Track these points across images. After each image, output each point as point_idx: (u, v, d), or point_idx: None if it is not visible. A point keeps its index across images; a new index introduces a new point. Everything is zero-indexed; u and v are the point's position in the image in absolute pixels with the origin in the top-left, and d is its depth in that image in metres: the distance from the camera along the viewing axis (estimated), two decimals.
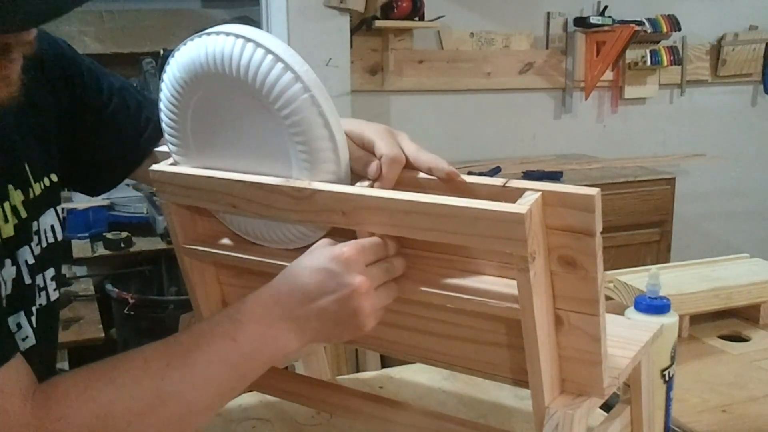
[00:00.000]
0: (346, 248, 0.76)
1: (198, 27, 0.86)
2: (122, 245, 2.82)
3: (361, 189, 0.77)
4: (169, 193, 0.91)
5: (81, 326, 2.27)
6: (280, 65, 0.77)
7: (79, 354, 2.31)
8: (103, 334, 2.26)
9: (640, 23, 3.60)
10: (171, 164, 0.91)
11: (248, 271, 0.95)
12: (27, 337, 0.87)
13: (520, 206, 0.67)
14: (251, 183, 0.83)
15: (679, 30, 3.78)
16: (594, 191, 0.67)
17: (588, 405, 0.76)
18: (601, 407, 0.91)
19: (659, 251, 3.28)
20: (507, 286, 0.74)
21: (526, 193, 0.69)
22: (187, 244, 0.95)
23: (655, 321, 1.02)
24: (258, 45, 0.78)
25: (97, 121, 0.99)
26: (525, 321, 0.72)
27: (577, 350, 0.75)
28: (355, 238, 0.80)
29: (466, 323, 0.80)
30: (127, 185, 1.65)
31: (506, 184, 0.71)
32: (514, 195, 0.70)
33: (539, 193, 0.68)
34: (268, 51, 0.77)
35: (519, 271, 0.69)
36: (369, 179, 0.79)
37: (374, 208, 0.75)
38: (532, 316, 0.71)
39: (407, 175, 0.80)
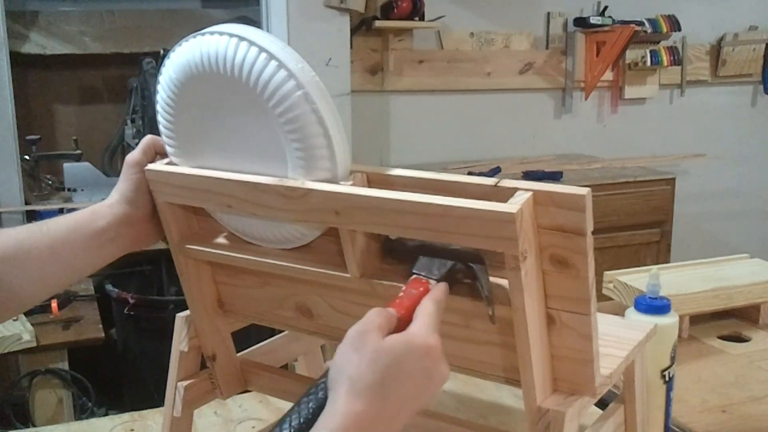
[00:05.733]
0: (432, 339, 0.68)
1: (198, 27, 0.86)
2: None
3: (354, 189, 0.78)
4: (164, 192, 0.91)
5: (81, 326, 2.27)
6: (273, 63, 0.77)
7: (79, 354, 2.32)
8: (103, 334, 2.26)
9: (640, 23, 3.60)
10: (167, 164, 0.92)
11: (244, 270, 0.95)
12: None
13: (511, 206, 0.67)
14: (245, 182, 0.83)
15: (679, 30, 3.78)
16: (584, 191, 0.67)
17: (580, 404, 0.76)
18: (598, 405, 0.92)
19: (659, 251, 3.28)
20: (499, 285, 0.74)
21: (518, 193, 0.69)
22: (182, 244, 0.95)
23: (649, 320, 1.02)
24: (251, 43, 0.78)
25: None
26: (517, 320, 0.72)
27: (569, 349, 0.75)
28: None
29: (458, 322, 0.80)
30: None
31: (498, 184, 0.72)
32: (506, 194, 0.70)
33: (530, 193, 0.68)
34: (262, 49, 0.77)
35: (510, 270, 0.69)
36: None
37: (367, 207, 0.75)
38: (523, 315, 0.71)
39: (399, 175, 0.80)
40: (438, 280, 0.74)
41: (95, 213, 0.91)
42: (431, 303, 0.71)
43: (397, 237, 0.80)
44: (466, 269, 0.75)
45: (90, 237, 0.89)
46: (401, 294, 0.73)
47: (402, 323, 0.70)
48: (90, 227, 0.89)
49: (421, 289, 0.73)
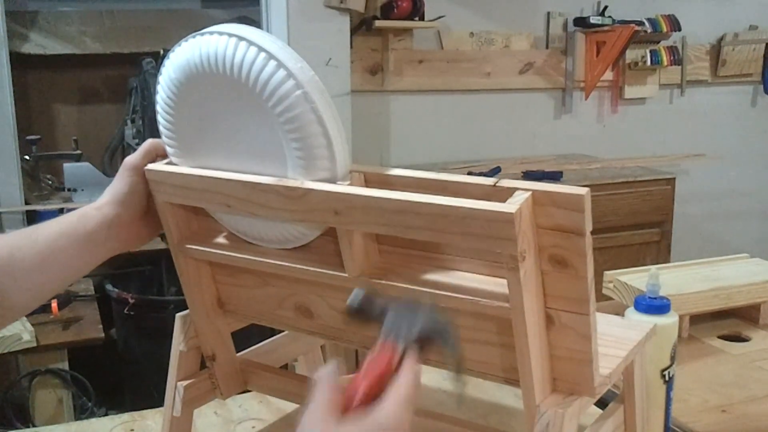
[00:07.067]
0: (401, 424, 0.59)
1: (198, 27, 0.86)
2: None
3: (353, 189, 0.78)
4: (164, 192, 0.91)
5: (81, 326, 2.27)
6: (272, 62, 0.77)
7: (79, 354, 2.32)
8: (103, 334, 2.26)
9: (640, 23, 3.60)
10: (167, 164, 0.92)
11: (244, 270, 0.95)
12: None
13: (510, 206, 0.67)
14: (245, 182, 0.83)
15: (679, 30, 3.78)
16: (583, 191, 0.67)
17: (579, 404, 0.76)
18: (598, 404, 0.92)
19: (659, 251, 3.28)
20: (498, 285, 0.74)
21: (517, 193, 0.69)
22: (182, 244, 0.95)
23: (649, 320, 1.02)
24: (251, 43, 0.78)
25: None
26: (515, 320, 0.72)
27: (568, 349, 0.75)
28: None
29: (457, 322, 0.80)
30: None
31: (497, 184, 0.72)
32: (505, 194, 0.70)
33: (529, 193, 0.68)
34: (261, 49, 0.78)
35: (509, 270, 0.69)
36: None
37: (367, 207, 0.76)
38: (522, 315, 0.71)
39: (399, 175, 0.80)
40: (407, 345, 0.65)
41: (84, 216, 0.90)
42: (403, 382, 0.61)
43: (360, 302, 0.71)
44: (435, 331, 0.67)
45: (79, 241, 0.89)
46: (368, 360, 0.64)
47: (369, 395, 0.61)
48: (79, 231, 0.89)
49: (390, 355, 0.64)
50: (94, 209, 0.91)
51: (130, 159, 0.93)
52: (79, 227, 0.89)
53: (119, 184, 0.92)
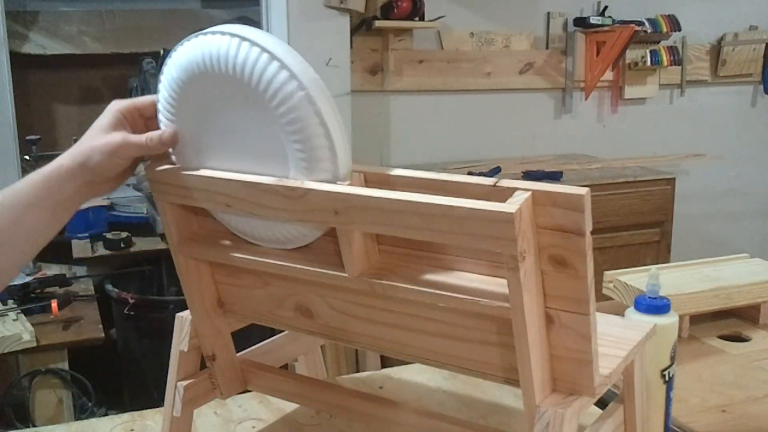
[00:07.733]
0: None
1: (198, 27, 0.86)
2: (122, 245, 2.83)
3: (353, 189, 0.78)
4: (164, 192, 0.91)
5: (81, 326, 2.27)
6: (275, 63, 0.77)
7: (79, 354, 2.32)
8: (103, 334, 2.26)
9: (640, 23, 3.60)
10: (167, 164, 0.92)
11: (244, 270, 0.95)
12: None
13: (510, 206, 0.67)
14: (245, 182, 0.83)
15: (679, 30, 3.78)
16: (583, 191, 0.67)
17: (579, 404, 0.76)
18: (597, 404, 0.92)
19: (659, 251, 3.28)
20: (498, 285, 0.74)
21: (517, 193, 0.69)
22: (182, 244, 0.95)
23: (649, 320, 1.02)
24: (253, 44, 0.78)
25: None
26: (515, 320, 0.72)
27: (568, 349, 0.75)
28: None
29: (458, 322, 0.80)
30: (127, 185, 1.65)
31: (497, 184, 0.72)
32: (505, 194, 0.70)
33: (529, 193, 0.69)
34: (264, 50, 0.78)
35: (509, 270, 0.70)
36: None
37: (367, 207, 0.76)
38: (522, 314, 0.71)
39: (399, 175, 0.80)
40: None
41: (53, 182, 0.86)
42: None
43: None
44: None
45: (52, 209, 0.87)
46: None
47: None
48: (47, 200, 0.86)
49: None
50: (64, 172, 0.86)
51: (124, 138, 0.88)
52: (47, 196, 0.86)
53: (102, 159, 0.87)
